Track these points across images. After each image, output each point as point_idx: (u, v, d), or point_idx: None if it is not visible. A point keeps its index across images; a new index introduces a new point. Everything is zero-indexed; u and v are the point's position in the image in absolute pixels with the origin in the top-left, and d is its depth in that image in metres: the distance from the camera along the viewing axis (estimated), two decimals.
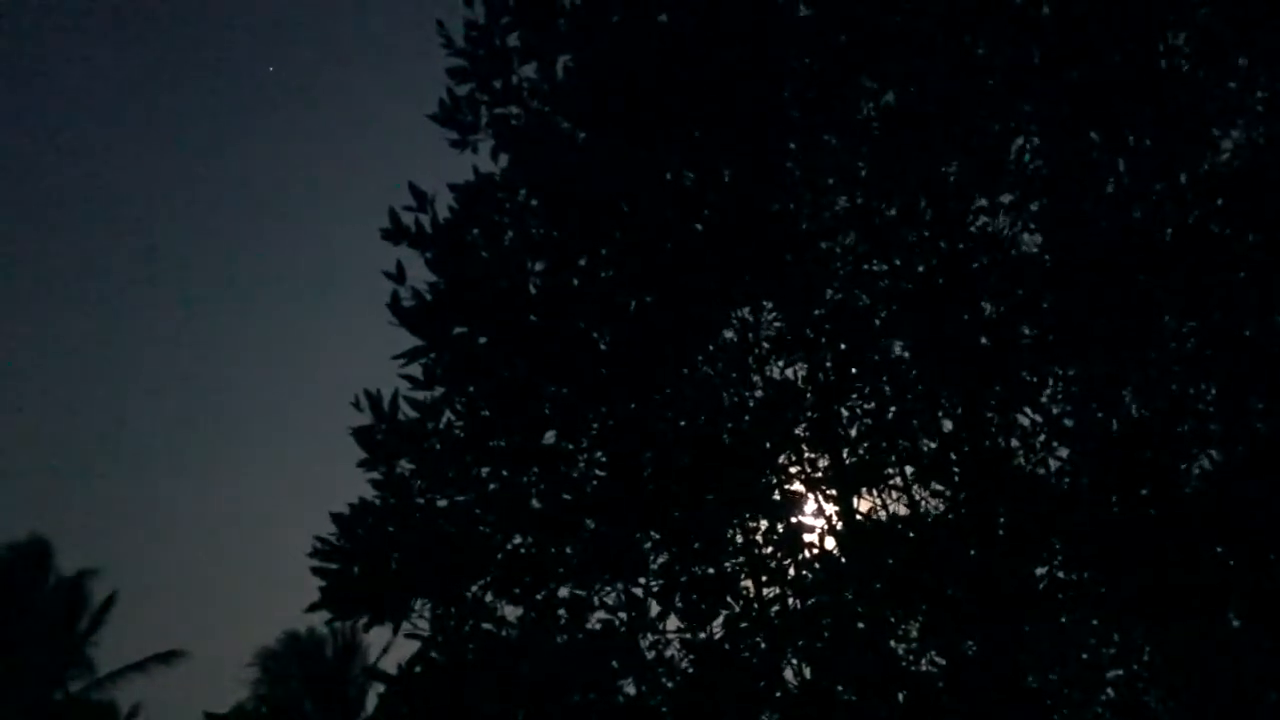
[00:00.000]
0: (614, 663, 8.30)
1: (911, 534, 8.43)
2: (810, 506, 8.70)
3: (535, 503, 8.54)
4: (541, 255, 8.85)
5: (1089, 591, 8.36)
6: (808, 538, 8.45)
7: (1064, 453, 8.56)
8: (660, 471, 8.44)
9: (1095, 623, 8.45)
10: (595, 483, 8.57)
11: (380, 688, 8.59)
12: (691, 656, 8.34)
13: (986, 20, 8.82)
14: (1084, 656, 8.44)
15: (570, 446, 8.66)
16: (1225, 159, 8.78)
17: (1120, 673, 8.41)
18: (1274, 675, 7.96)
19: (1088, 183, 8.52)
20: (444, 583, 8.44)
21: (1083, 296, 8.19)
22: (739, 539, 8.61)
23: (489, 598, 8.57)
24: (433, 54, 9.61)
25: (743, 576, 8.64)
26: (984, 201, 8.78)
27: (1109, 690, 8.47)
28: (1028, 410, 8.60)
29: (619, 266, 8.78)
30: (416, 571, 8.33)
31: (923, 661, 8.40)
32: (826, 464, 8.81)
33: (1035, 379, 8.57)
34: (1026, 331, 8.54)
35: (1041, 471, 8.55)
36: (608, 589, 8.58)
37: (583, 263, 8.84)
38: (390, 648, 28.62)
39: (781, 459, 8.72)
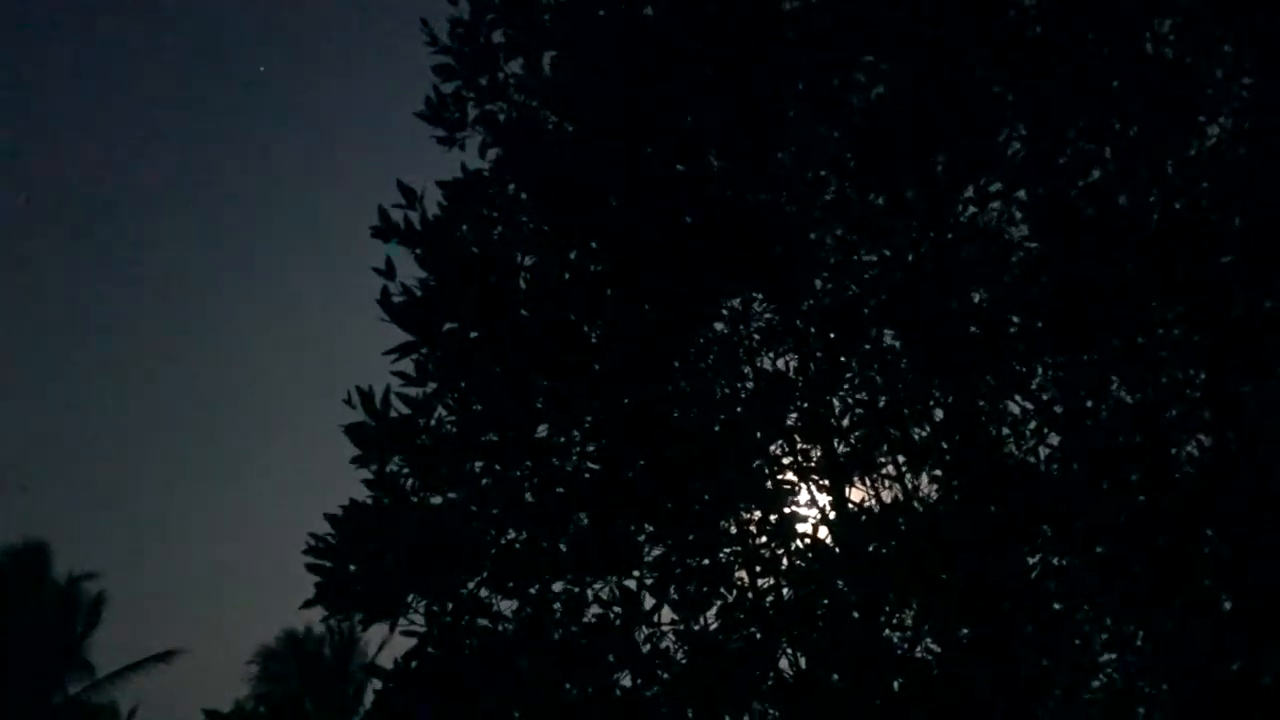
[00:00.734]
0: (610, 656, 8.33)
1: (904, 522, 8.46)
2: (803, 497, 8.74)
3: (529, 497, 8.56)
4: (531, 250, 8.87)
5: (1081, 578, 8.40)
6: (801, 528, 8.49)
7: (1055, 440, 8.60)
8: (653, 464, 8.46)
9: (1087, 608, 8.50)
10: (588, 476, 8.59)
11: (379, 684, 8.62)
12: (687, 648, 8.37)
13: (973, 9, 8.83)
14: (1076, 642, 8.48)
15: (563, 440, 8.68)
16: (1212, 145, 8.81)
17: (1113, 657, 8.45)
18: (1265, 659, 8.00)
19: (1075, 170, 8.55)
20: (439, 579, 8.45)
21: (1071, 284, 8.22)
22: (732, 530, 8.64)
23: (484, 593, 8.60)
24: (419, 52, 9.64)
25: (737, 567, 8.67)
26: (972, 191, 8.80)
27: (1101, 676, 8.52)
28: (1018, 398, 8.64)
29: (609, 260, 8.80)
30: (411, 568, 8.35)
31: (917, 649, 8.44)
32: (819, 454, 8.84)
33: (1025, 367, 8.60)
34: (1016, 320, 8.56)
35: (1032, 460, 8.58)
36: (602, 582, 8.61)
37: (572, 256, 8.86)
38: (386, 644, 28.70)
39: (774, 449, 8.75)
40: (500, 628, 8.47)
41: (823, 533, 8.54)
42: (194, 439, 63.31)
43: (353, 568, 8.47)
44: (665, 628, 8.50)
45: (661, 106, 8.84)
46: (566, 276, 8.84)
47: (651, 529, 8.58)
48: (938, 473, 8.66)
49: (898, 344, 8.81)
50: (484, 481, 8.65)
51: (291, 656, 30.12)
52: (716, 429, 8.52)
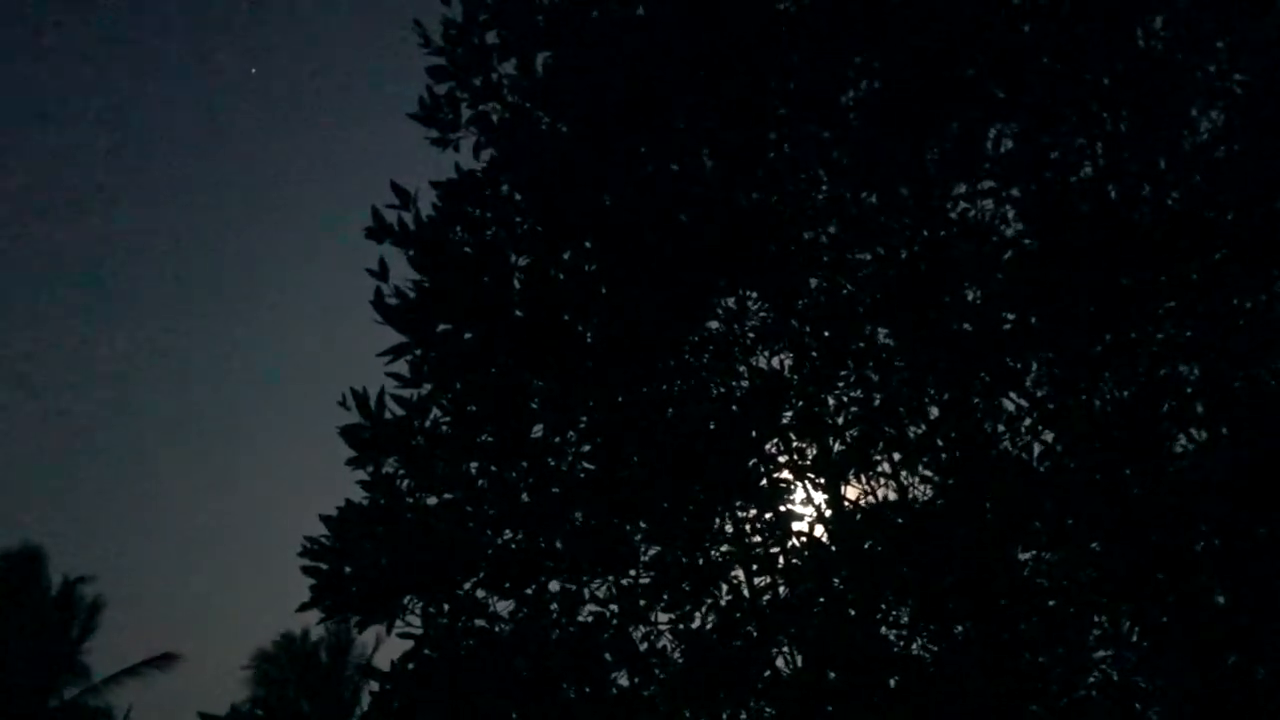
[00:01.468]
0: (606, 655, 8.34)
1: (900, 520, 8.47)
2: (798, 495, 8.75)
3: (524, 497, 8.56)
4: (525, 250, 8.88)
5: (1076, 574, 8.41)
6: (797, 526, 8.50)
7: (1049, 436, 8.61)
8: (648, 463, 8.46)
9: (1083, 604, 8.51)
10: (583, 476, 8.60)
11: (375, 686, 8.61)
12: (683, 647, 8.37)
13: (965, 7, 8.85)
14: (1072, 638, 8.49)
15: (558, 440, 8.68)
16: (1204, 141, 8.82)
17: (1108, 653, 8.46)
18: (1260, 654, 8.02)
19: (1067, 166, 8.56)
20: (435, 580, 8.46)
21: (1064, 280, 8.23)
22: (728, 529, 8.65)
23: (480, 593, 8.60)
24: (413, 53, 9.64)
25: (733, 566, 8.68)
26: (964, 188, 8.82)
27: (1097, 672, 8.53)
28: (1012, 395, 8.64)
29: (603, 260, 8.81)
30: (407, 569, 8.35)
31: (913, 647, 8.45)
32: (814, 452, 8.85)
33: (1019, 364, 8.61)
34: (1010, 316, 8.57)
35: (1026, 456, 8.59)
36: (598, 581, 8.61)
37: (566, 257, 8.87)
38: (380, 645, 28.65)
39: (769, 448, 8.76)
40: (497, 628, 8.48)
41: (819, 531, 8.56)
42: (191, 442, 63.24)
43: (349, 570, 8.47)
44: (662, 626, 8.51)
45: (655, 106, 8.84)
46: (560, 277, 8.85)
47: (647, 528, 8.58)
48: (932, 471, 8.67)
49: (892, 342, 8.82)
50: (479, 482, 8.66)
51: (288, 659, 30.10)
52: (712, 427, 8.52)
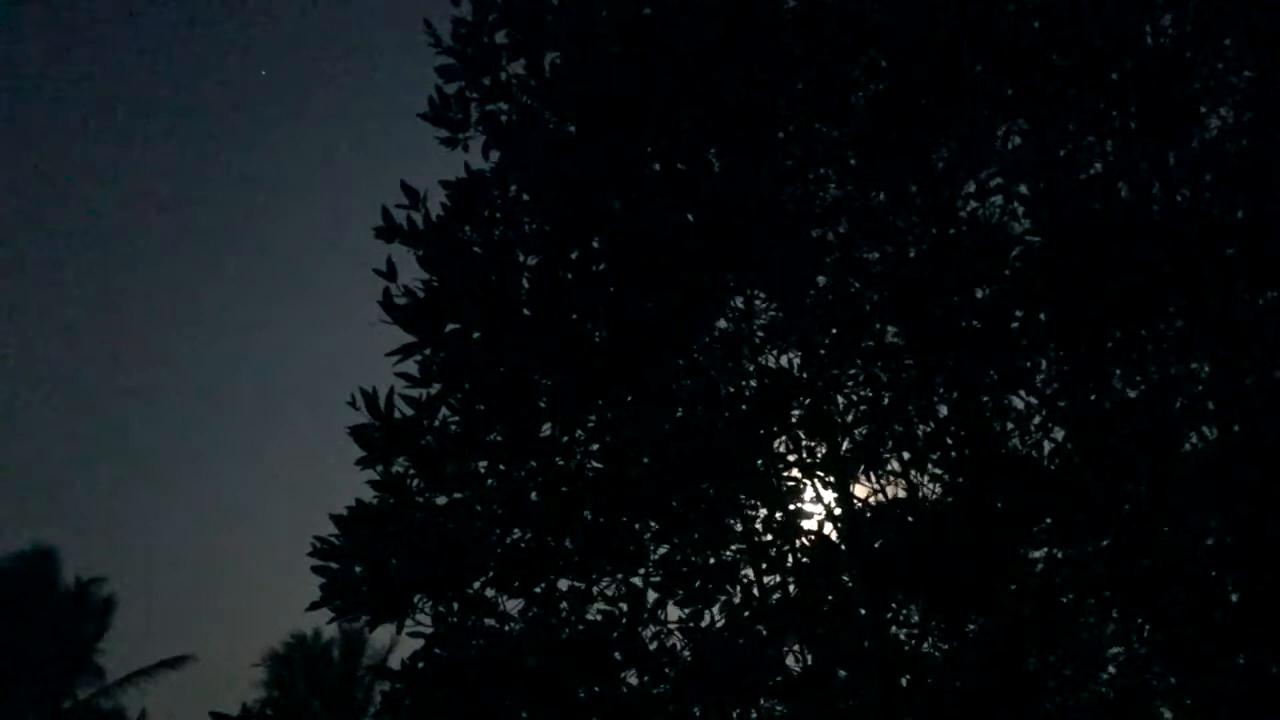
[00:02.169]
0: (616, 654, 8.35)
1: (910, 518, 8.47)
2: (808, 494, 8.75)
3: (533, 496, 8.58)
4: (533, 249, 8.89)
5: (1087, 571, 8.40)
6: (806, 524, 8.50)
7: (1059, 434, 8.60)
8: (658, 462, 8.47)
9: (1094, 601, 8.50)
10: (592, 475, 8.61)
11: (386, 686, 8.64)
12: (693, 645, 8.38)
13: (973, 4, 8.84)
14: (1084, 636, 8.48)
15: (566, 439, 8.70)
16: (1213, 137, 8.80)
17: (1120, 651, 8.45)
18: (1273, 651, 7.99)
19: (1076, 163, 8.54)
20: (445, 579, 8.47)
21: (1073, 277, 8.22)
22: (738, 527, 8.65)
23: (490, 593, 8.62)
24: (423, 53, 9.66)
25: (743, 565, 8.69)
26: (973, 186, 8.81)
27: (1110, 669, 8.52)
28: (1021, 393, 8.63)
29: (611, 259, 8.82)
30: (417, 568, 8.37)
31: (924, 645, 8.45)
32: (823, 451, 8.85)
33: (1028, 362, 8.60)
34: (1019, 314, 8.56)
35: (1036, 454, 8.58)
36: (608, 580, 8.62)
37: (575, 256, 8.88)
38: (396, 645, 28.71)
39: (778, 447, 8.77)
40: (507, 627, 8.49)
41: (828, 529, 8.56)
42: (204, 442, 63.41)
43: (359, 569, 8.49)
44: (672, 625, 8.52)
45: (662, 106, 8.85)
46: (569, 276, 8.86)
47: (657, 527, 8.59)
48: (942, 469, 8.67)
49: (901, 340, 8.81)
50: (489, 481, 8.68)
51: (299, 659, 30.17)
52: (721, 426, 8.53)
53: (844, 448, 8.83)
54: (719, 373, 8.95)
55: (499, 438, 8.66)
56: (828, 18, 8.98)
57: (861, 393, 8.91)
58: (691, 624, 8.50)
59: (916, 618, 8.54)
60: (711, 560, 8.62)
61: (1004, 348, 8.40)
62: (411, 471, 8.76)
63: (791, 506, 8.56)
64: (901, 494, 8.76)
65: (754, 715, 8.32)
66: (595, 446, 8.74)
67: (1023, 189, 8.79)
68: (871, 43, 8.95)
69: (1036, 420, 8.66)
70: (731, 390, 8.95)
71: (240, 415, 65.19)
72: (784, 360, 9.03)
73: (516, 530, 8.59)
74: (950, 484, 8.58)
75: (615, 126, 8.83)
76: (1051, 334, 8.48)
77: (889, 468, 8.82)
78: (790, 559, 8.55)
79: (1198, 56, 8.87)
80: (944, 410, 8.76)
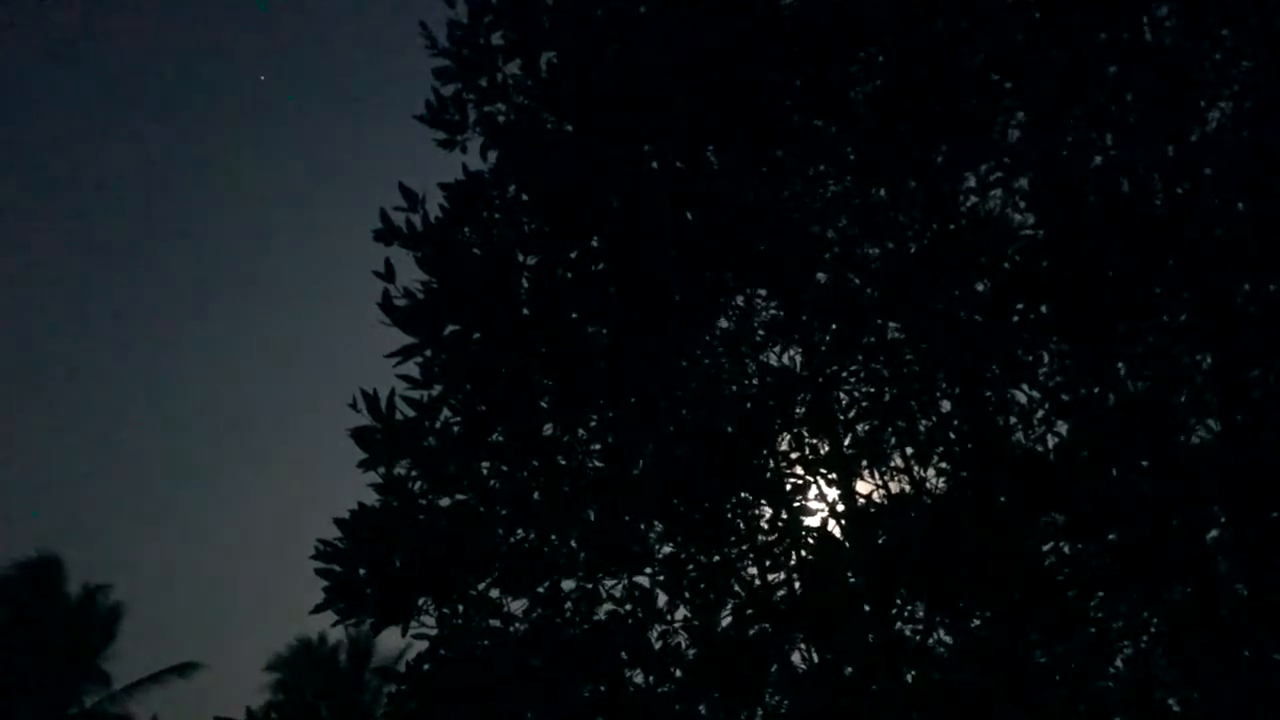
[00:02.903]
0: (622, 654, 8.34)
1: (913, 513, 8.45)
2: (811, 491, 8.73)
3: (536, 496, 8.56)
4: (532, 250, 8.88)
5: (1093, 565, 8.37)
6: (810, 521, 8.48)
7: (1062, 428, 8.57)
8: (662, 462, 8.45)
9: (1101, 596, 8.47)
10: (594, 474, 8.59)
11: (392, 689, 8.64)
12: (699, 645, 8.37)
13: None
14: (1091, 631, 8.46)
15: (568, 439, 8.69)
16: (1213, 130, 8.78)
17: (1127, 644, 8.43)
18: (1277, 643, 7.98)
19: (1076, 157, 8.52)
20: (449, 580, 8.47)
21: (1075, 271, 8.20)
22: (742, 526, 8.63)
23: (494, 593, 8.61)
24: (419, 55, 9.64)
25: (747, 563, 8.67)
26: (973, 180, 8.79)
27: (1116, 664, 8.50)
28: (1024, 387, 8.61)
29: (610, 259, 8.80)
30: (421, 570, 8.36)
31: (929, 640, 8.42)
32: (826, 448, 8.83)
33: (1031, 356, 8.58)
34: (1020, 308, 8.54)
35: (1040, 448, 8.56)
36: (613, 580, 8.61)
37: (574, 256, 8.87)
38: (408, 649, 28.68)
39: (781, 444, 8.75)
40: (512, 628, 8.48)
41: (832, 526, 8.54)
42: (208, 448, 63.46)
43: (363, 572, 8.48)
44: (677, 624, 8.50)
45: (659, 105, 8.84)
46: (568, 276, 8.85)
47: (661, 527, 8.58)
48: (945, 464, 8.65)
49: (903, 335, 8.79)
50: (491, 482, 8.67)
51: (306, 663, 30.16)
52: (724, 426, 8.51)
53: (846, 444, 8.81)
54: (720, 371, 8.94)
55: (501, 438, 8.65)
56: (826, 14, 8.97)
57: (863, 389, 8.89)
58: (697, 623, 8.48)
59: (921, 613, 8.51)
60: (716, 559, 8.60)
61: (1005, 341, 8.38)
62: (414, 473, 8.75)
63: (795, 504, 8.54)
64: (905, 489, 8.74)
65: (759, 713, 8.31)
66: (597, 446, 8.73)
67: (1023, 182, 8.78)
68: (871, 38, 8.93)
69: (1039, 414, 8.64)
70: (733, 388, 8.93)
71: (245, 420, 65.25)
72: (785, 358, 9.02)
73: (520, 531, 8.58)
74: (954, 479, 8.56)
75: (613, 126, 8.81)
76: (1053, 327, 8.46)
77: (892, 463, 8.80)
78: (794, 556, 8.53)
79: (1196, 49, 8.84)
80: (946, 405, 8.74)
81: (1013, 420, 8.68)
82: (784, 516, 8.57)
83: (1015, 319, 8.42)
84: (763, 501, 8.67)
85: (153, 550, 59.49)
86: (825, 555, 8.40)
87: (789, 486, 8.65)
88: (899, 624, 8.50)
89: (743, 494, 8.60)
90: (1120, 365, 8.51)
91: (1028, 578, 8.22)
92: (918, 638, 8.46)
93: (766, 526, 8.65)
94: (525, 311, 8.67)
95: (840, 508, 8.62)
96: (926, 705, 8.01)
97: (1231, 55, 8.90)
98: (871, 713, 8.03)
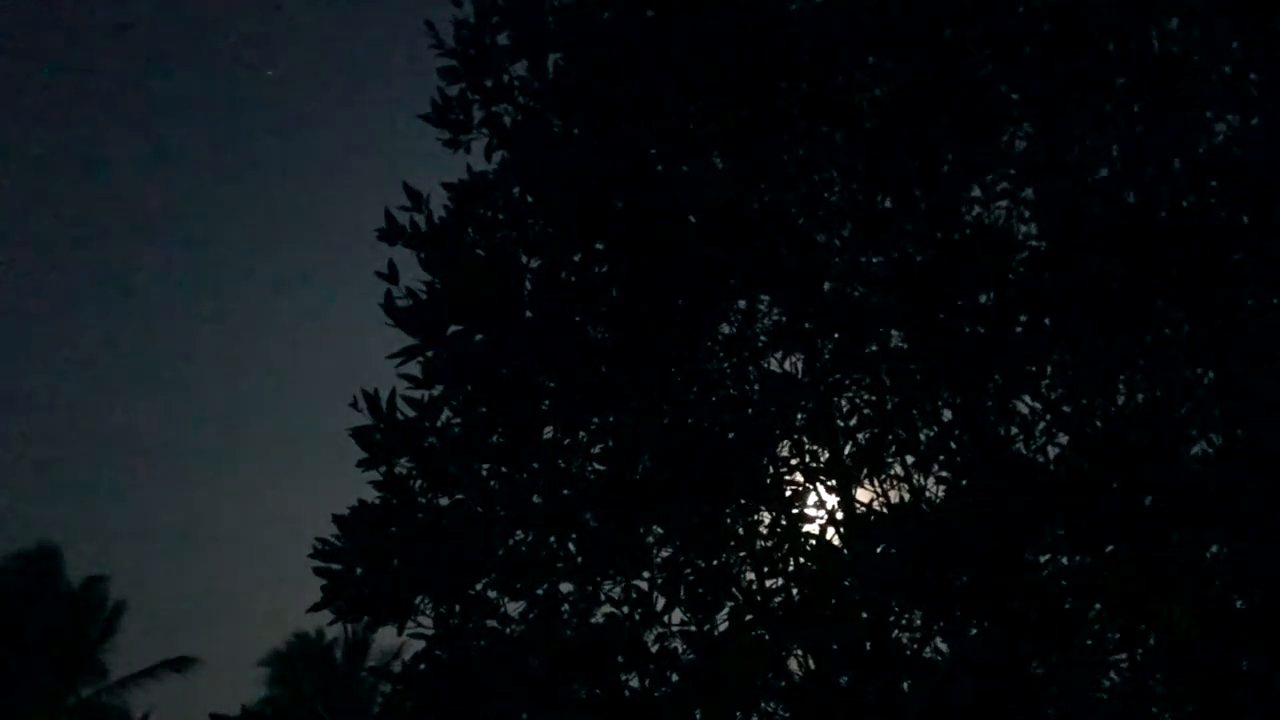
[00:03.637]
0: (619, 657, 8.33)
1: (913, 522, 8.43)
2: (811, 498, 8.72)
3: (536, 498, 8.55)
4: (536, 252, 8.88)
5: (1091, 577, 8.36)
6: (809, 528, 8.47)
7: (1064, 439, 8.56)
8: (661, 466, 8.45)
9: (1099, 607, 8.46)
10: (595, 477, 8.59)
11: (389, 687, 8.63)
12: (695, 650, 8.35)
13: (979, 8, 8.81)
14: (1088, 642, 8.45)
15: (568, 441, 8.68)
16: (1219, 142, 8.77)
17: (1124, 657, 8.41)
18: (1278, 658, 7.96)
19: (1082, 168, 8.52)
20: (447, 580, 8.46)
21: (1079, 282, 8.19)
22: (741, 531, 8.62)
23: (492, 594, 8.60)
24: (425, 55, 9.65)
25: (746, 569, 8.66)
26: (978, 190, 8.78)
27: (1113, 675, 8.48)
28: (1026, 398, 8.60)
29: (614, 261, 8.80)
30: (419, 570, 8.36)
31: (926, 650, 8.41)
32: (827, 455, 8.82)
33: (1033, 366, 8.57)
34: (1023, 319, 8.53)
35: (1041, 459, 8.54)
36: (611, 583, 8.60)
37: (577, 258, 8.86)
38: (405, 646, 28.70)
39: (782, 450, 8.74)
40: (509, 629, 8.47)
41: (830, 533, 8.52)
42: (207, 443, 63.51)
43: (360, 570, 8.48)
44: (674, 628, 8.50)
45: (665, 108, 8.83)
46: (572, 278, 8.84)
47: (660, 531, 8.57)
48: (945, 473, 8.63)
49: (905, 344, 8.78)
50: (491, 483, 8.65)
51: (302, 659, 30.16)
52: (722, 431, 8.50)
53: (847, 451, 8.80)
54: (722, 376, 8.93)
55: (501, 439, 8.64)
56: (834, 21, 8.96)
57: (865, 397, 8.88)
58: (694, 628, 8.47)
59: (919, 622, 8.50)
60: (714, 564, 8.59)
61: (1008, 352, 8.37)
62: (413, 473, 8.75)
63: (794, 510, 8.53)
64: (905, 498, 8.73)
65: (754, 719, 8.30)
66: (598, 449, 8.72)
67: (1028, 193, 8.77)
68: (877, 46, 8.93)
69: (1041, 425, 8.63)
70: (735, 393, 8.93)
71: (246, 416, 65.28)
72: (787, 364, 9.02)
73: (519, 532, 8.57)
74: (954, 488, 8.55)
75: (618, 128, 8.81)
76: (1056, 338, 8.45)
77: (892, 472, 8.79)
78: (793, 563, 8.51)
79: (1204, 60, 8.84)
80: (948, 415, 8.72)
81: (1014, 431, 8.67)
82: (783, 523, 8.56)
83: (1018, 329, 8.41)
84: (762, 507, 8.66)
85: (151, 545, 59.53)
86: (824, 562, 8.38)
87: (788, 493, 8.65)
88: (896, 632, 8.49)
89: (742, 499, 8.59)
90: (1122, 377, 8.50)
91: (1025, 589, 8.21)
92: (914, 646, 8.45)
93: (765, 532, 8.63)
94: (528, 313, 8.67)
95: (839, 515, 8.61)
96: (922, 715, 7.99)
97: (1239, 67, 8.90)
98: None
